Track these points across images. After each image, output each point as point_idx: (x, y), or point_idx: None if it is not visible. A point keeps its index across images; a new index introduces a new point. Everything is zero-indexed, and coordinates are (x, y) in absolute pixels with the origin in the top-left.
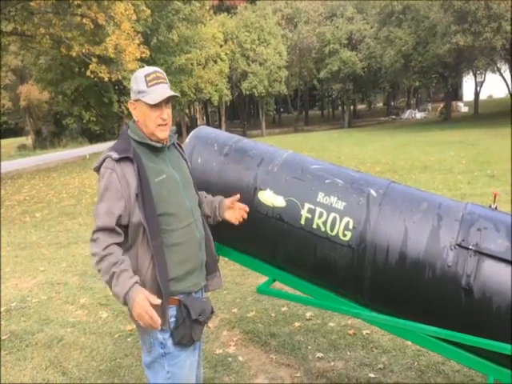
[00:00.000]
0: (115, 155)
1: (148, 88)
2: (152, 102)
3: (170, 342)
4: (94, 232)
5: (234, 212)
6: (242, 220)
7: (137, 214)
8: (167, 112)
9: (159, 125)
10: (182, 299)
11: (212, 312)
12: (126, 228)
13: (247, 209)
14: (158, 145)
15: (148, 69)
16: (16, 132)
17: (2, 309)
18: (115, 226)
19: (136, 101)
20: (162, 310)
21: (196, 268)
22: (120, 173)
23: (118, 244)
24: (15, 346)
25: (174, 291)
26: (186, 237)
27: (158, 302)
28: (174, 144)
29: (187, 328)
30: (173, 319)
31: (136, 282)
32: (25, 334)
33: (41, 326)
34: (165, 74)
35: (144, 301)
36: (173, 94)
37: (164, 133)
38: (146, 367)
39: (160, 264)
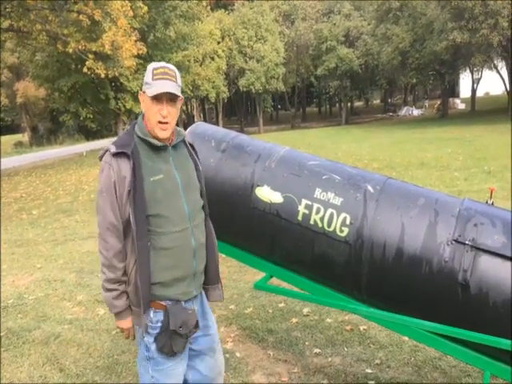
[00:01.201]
0: (113, 149)
1: (152, 81)
2: (150, 94)
3: (153, 347)
4: (103, 230)
5: None
6: None
7: (127, 211)
8: (168, 110)
9: (159, 122)
10: (167, 306)
11: (196, 326)
12: None
13: None
14: (158, 143)
15: (159, 63)
16: (12, 129)
17: None
18: (119, 221)
19: (144, 92)
20: (138, 313)
21: (187, 276)
22: (116, 168)
23: (122, 244)
24: (12, 343)
25: (159, 296)
26: (177, 242)
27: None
28: (184, 143)
29: (168, 338)
30: (159, 324)
31: (128, 305)
32: (22, 330)
33: (38, 322)
34: (177, 72)
35: (130, 324)
36: (172, 91)
37: (164, 132)
38: (138, 363)
39: (142, 266)
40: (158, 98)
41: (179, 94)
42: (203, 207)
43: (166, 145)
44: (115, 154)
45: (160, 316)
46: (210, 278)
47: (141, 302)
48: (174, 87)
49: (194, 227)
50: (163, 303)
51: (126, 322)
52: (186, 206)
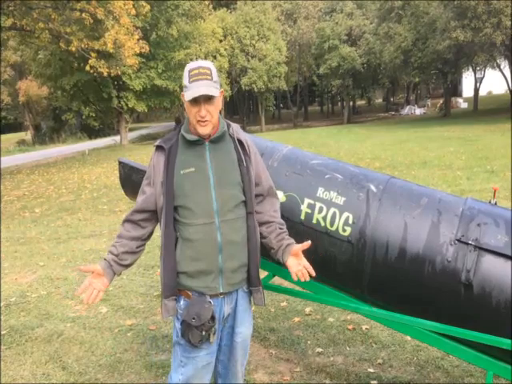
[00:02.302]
0: (157, 143)
1: (189, 84)
2: (187, 99)
3: (180, 333)
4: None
5: (298, 264)
6: (300, 278)
7: (161, 200)
8: (206, 109)
9: (198, 121)
10: (192, 297)
11: (212, 320)
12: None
13: (313, 273)
14: (191, 138)
15: (194, 63)
16: (15, 127)
17: (1, 304)
18: (141, 206)
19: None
20: (162, 300)
21: (211, 271)
22: (156, 160)
23: (134, 222)
24: (15, 340)
25: (185, 285)
26: (200, 235)
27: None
28: (232, 138)
29: (185, 327)
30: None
31: (104, 259)
32: (24, 328)
33: (40, 320)
34: (212, 69)
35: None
36: (208, 92)
37: (204, 129)
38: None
39: (166, 252)
40: (195, 101)
41: (215, 92)
42: (245, 204)
43: (201, 139)
44: (156, 147)
45: (187, 304)
46: (252, 280)
47: (163, 288)
48: (209, 86)
49: (222, 222)
50: (190, 293)
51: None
52: (214, 200)
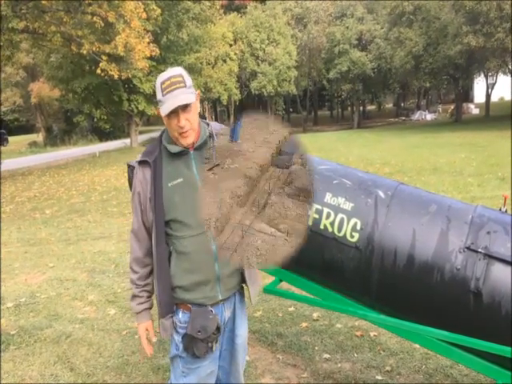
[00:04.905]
0: (139, 158)
1: (163, 97)
2: (163, 114)
3: (181, 347)
4: (130, 233)
5: None
6: None
7: (150, 217)
8: (185, 118)
9: (180, 133)
10: (192, 309)
11: (218, 331)
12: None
13: None
14: (175, 150)
15: (165, 74)
16: (27, 129)
17: (11, 304)
18: (141, 226)
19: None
20: (159, 319)
21: (208, 281)
22: (141, 175)
23: (144, 251)
24: (24, 341)
25: (182, 299)
26: (195, 246)
27: (153, 340)
28: (213, 138)
29: (189, 341)
30: (186, 324)
31: (144, 309)
32: (34, 329)
33: (49, 321)
34: (183, 74)
35: (142, 332)
36: (183, 102)
37: (187, 139)
38: (170, 360)
39: (160, 270)
40: (172, 112)
41: (191, 99)
42: None
43: (185, 150)
44: (140, 163)
45: (187, 317)
46: (247, 277)
47: (158, 306)
48: (183, 95)
49: None
50: (188, 305)
51: (140, 327)
52: None
